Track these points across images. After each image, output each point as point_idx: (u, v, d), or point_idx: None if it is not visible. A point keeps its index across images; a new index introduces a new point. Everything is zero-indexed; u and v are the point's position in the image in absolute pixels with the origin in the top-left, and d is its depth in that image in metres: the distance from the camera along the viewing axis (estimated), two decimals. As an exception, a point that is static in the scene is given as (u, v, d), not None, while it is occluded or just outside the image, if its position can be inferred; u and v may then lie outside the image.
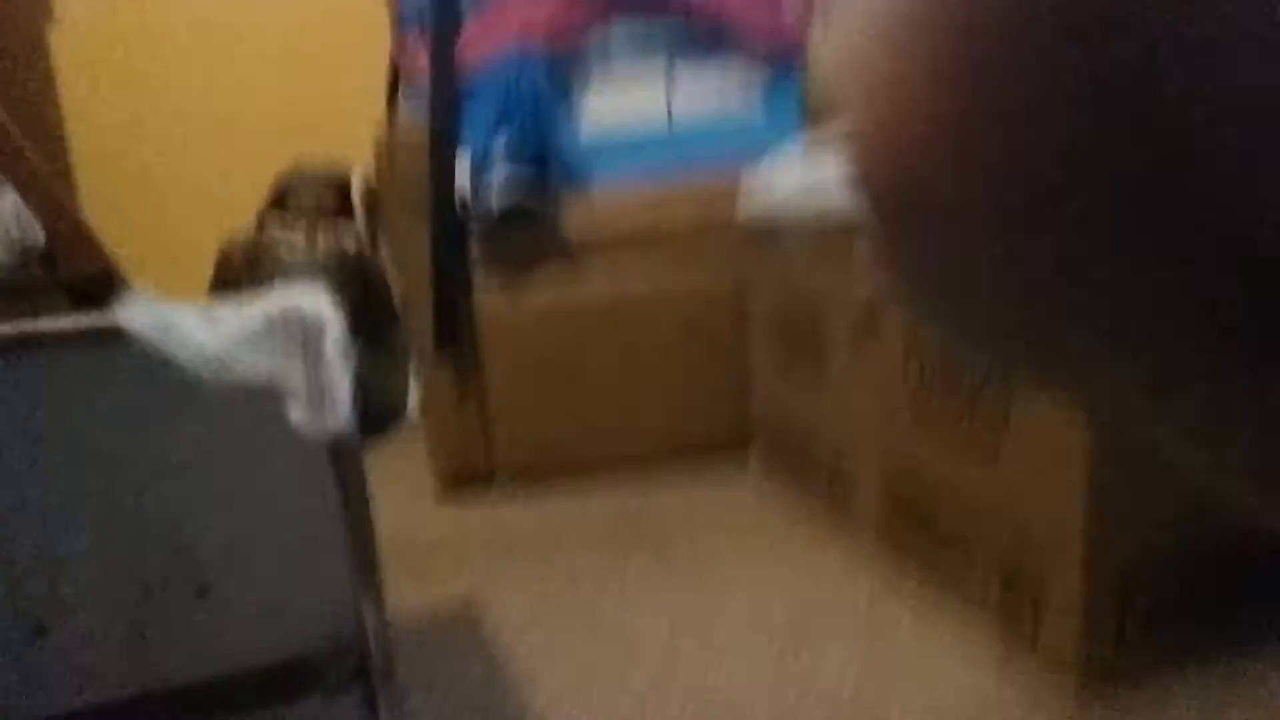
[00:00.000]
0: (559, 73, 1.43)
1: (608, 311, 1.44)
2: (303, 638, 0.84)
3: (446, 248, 1.37)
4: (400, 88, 1.63)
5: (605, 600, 1.02)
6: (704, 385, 1.48)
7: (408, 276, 1.48)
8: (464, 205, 1.35)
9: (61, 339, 0.47)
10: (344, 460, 0.49)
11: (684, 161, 1.48)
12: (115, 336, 0.44)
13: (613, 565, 1.12)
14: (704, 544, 1.15)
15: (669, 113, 1.50)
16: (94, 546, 0.80)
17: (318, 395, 0.46)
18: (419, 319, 1.45)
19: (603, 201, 1.45)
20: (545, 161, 1.43)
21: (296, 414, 0.46)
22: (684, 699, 0.81)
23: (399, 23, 1.59)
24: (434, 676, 0.88)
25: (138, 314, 0.44)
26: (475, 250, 1.40)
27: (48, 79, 2.15)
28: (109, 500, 0.80)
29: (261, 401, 0.84)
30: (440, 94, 1.36)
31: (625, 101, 1.49)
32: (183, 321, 0.44)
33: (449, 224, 1.35)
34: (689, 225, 1.44)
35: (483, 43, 1.40)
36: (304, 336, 0.46)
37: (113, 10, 2.26)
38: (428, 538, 1.28)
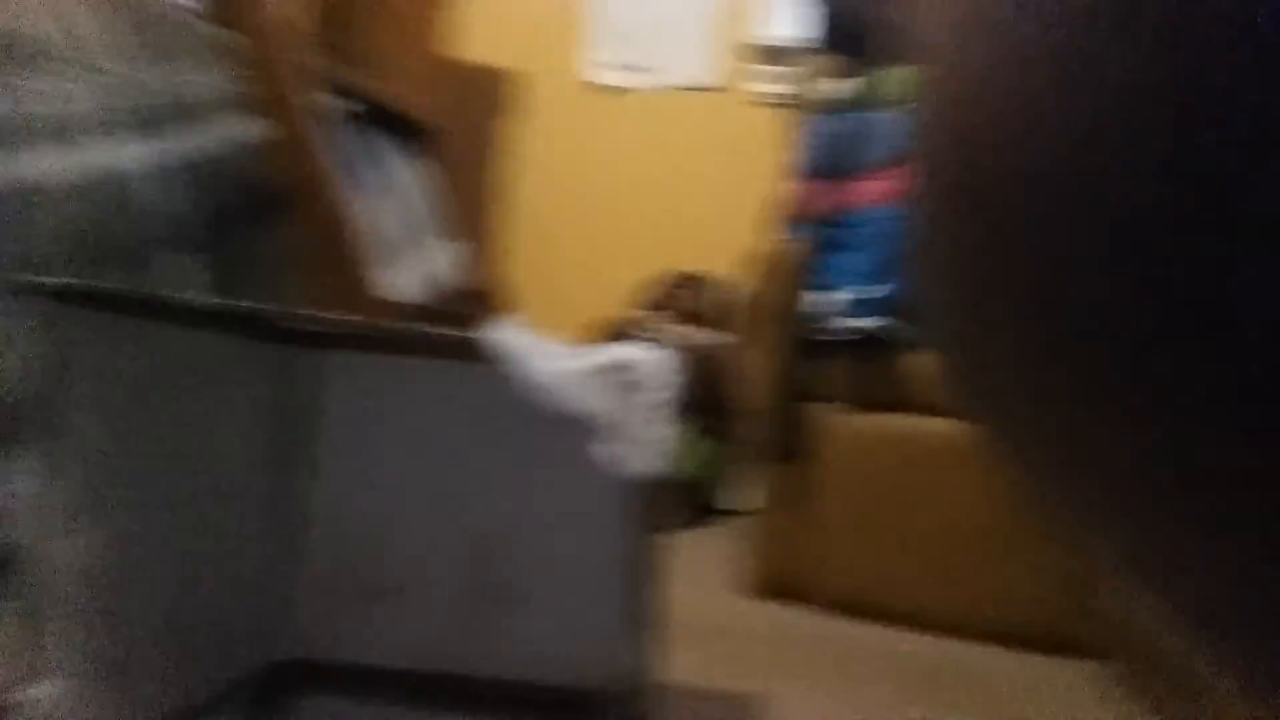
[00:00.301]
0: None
1: (959, 456, 1.38)
2: (585, 670, 0.91)
3: (795, 368, 1.44)
4: (784, 217, 1.75)
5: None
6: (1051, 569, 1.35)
7: (758, 386, 1.56)
8: (824, 328, 1.42)
9: (438, 345, 0.59)
10: (639, 504, 0.56)
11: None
12: (482, 352, 0.55)
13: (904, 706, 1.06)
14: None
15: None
16: (438, 534, 0.95)
17: (634, 438, 0.53)
18: (762, 428, 1.52)
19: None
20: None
21: (611, 450, 0.53)
22: None
23: (796, 164, 1.70)
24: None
25: (506, 334, 0.55)
26: (830, 370, 1.45)
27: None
28: (441, 498, 0.95)
29: (584, 438, 0.95)
30: (819, 226, 1.46)
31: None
32: (538, 349, 0.54)
33: (801, 344, 1.43)
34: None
35: (868, 194, 1.47)
36: (634, 384, 0.54)
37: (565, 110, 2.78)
38: (720, 626, 1.32)
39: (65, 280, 0.59)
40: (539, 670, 0.92)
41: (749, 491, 1.58)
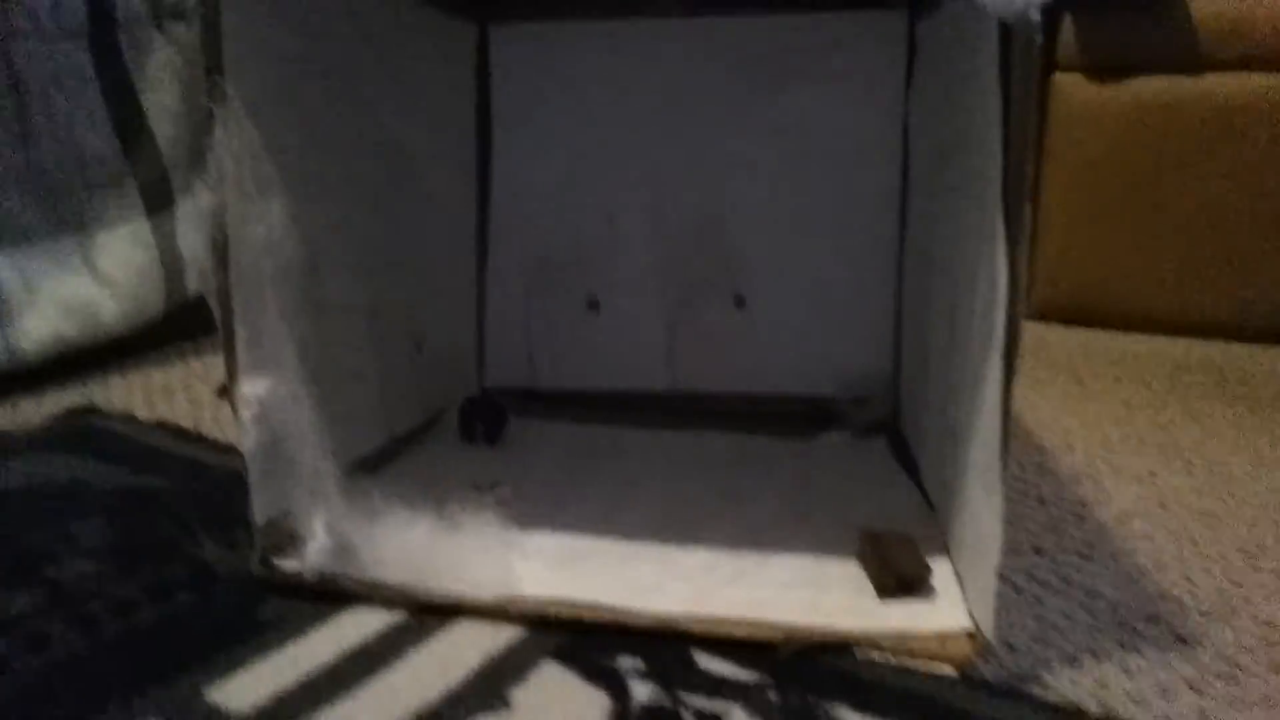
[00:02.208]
0: None
1: (1234, 123, 1.12)
2: (833, 374, 0.79)
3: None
4: None
5: (1174, 432, 0.83)
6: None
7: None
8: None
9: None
10: (1018, 51, 0.38)
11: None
12: None
13: (1180, 404, 0.91)
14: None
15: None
16: (649, 234, 0.81)
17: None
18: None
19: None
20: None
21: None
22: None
23: None
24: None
25: None
26: (1069, 33, 1.18)
27: None
28: (668, 189, 0.80)
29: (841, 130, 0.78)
30: None
31: None
32: None
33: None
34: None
35: None
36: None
37: None
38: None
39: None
40: (770, 381, 0.81)
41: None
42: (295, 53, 0.52)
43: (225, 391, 0.48)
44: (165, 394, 0.84)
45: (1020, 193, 0.40)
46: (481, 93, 0.80)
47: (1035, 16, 0.36)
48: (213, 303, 0.45)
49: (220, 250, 0.44)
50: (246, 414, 0.46)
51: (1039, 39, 0.37)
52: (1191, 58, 1.13)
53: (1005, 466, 0.41)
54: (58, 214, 0.86)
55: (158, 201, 0.92)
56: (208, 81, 0.44)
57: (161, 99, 0.92)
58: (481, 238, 0.82)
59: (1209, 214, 1.16)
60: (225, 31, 0.44)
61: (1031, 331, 1.25)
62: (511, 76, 0.79)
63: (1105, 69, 1.17)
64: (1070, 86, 1.19)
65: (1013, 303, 0.40)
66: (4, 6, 0.79)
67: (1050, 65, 1.20)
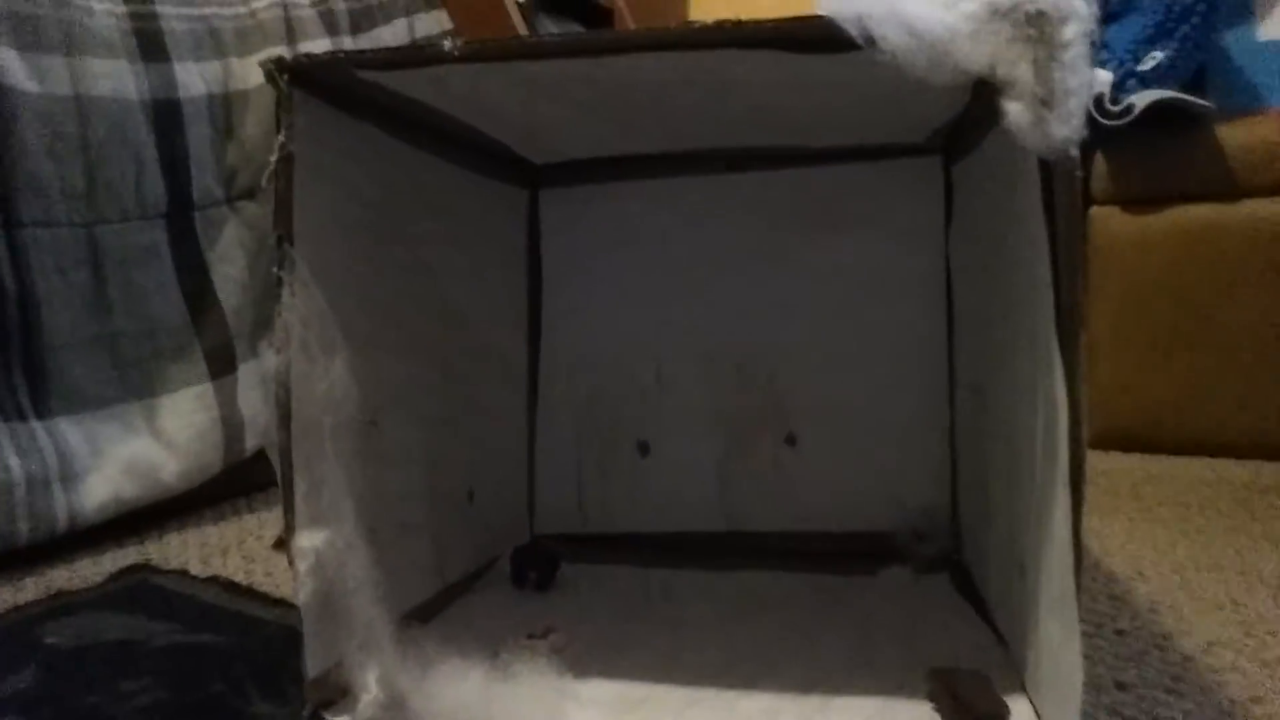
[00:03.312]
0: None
1: (1276, 245, 1.14)
2: (890, 509, 0.78)
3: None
4: None
5: (1252, 558, 0.79)
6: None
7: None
8: (1097, 113, 1.17)
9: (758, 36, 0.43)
10: (1061, 182, 0.39)
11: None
12: (828, 30, 0.40)
13: (1256, 527, 0.87)
14: None
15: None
16: (698, 378, 0.82)
17: (1046, 94, 0.37)
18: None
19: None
20: (1204, 82, 1.19)
21: (1016, 113, 0.37)
22: None
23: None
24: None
25: (847, 2, 0.39)
26: (1103, 168, 1.21)
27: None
28: (716, 335, 0.81)
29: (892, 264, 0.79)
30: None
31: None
32: (901, 2, 0.38)
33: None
34: None
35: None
36: (1040, 23, 0.37)
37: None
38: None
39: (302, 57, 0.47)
40: (826, 519, 0.79)
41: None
42: (360, 222, 0.56)
43: (281, 544, 0.49)
44: (220, 550, 0.85)
45: (1074, 322, 0.40)
46: (533, 246, 0.84)
47: (1074, 152, 0.37)
48: (273, 457, 0.46)
49: (284, 407, 0.46)
50: (302, 565, 0.46)
51: (1079, 173, 0.38)
52: (1227, 185, 1.15)
53: (1080, 600, 0.39)
54: (126, 380, 0.90)
55: (221, 367, 0.96)
56: (278, 250, 0.47)
57: (229, 271, 0.98)
58: (532, 387, 0.84)
59: (1259, 335, 1.14)
60: (296, 203, 0.47)
61: (1090, 459, 1.21)
62: (561, 232, 0.83)
63: (1140, 200, 1.20)
64: (1107, 219, 1.22)
65: (1075, 432, 0.40)
66: (91, 193, 0.86)
67: (1086, 200, 1.22)
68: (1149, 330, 1.20)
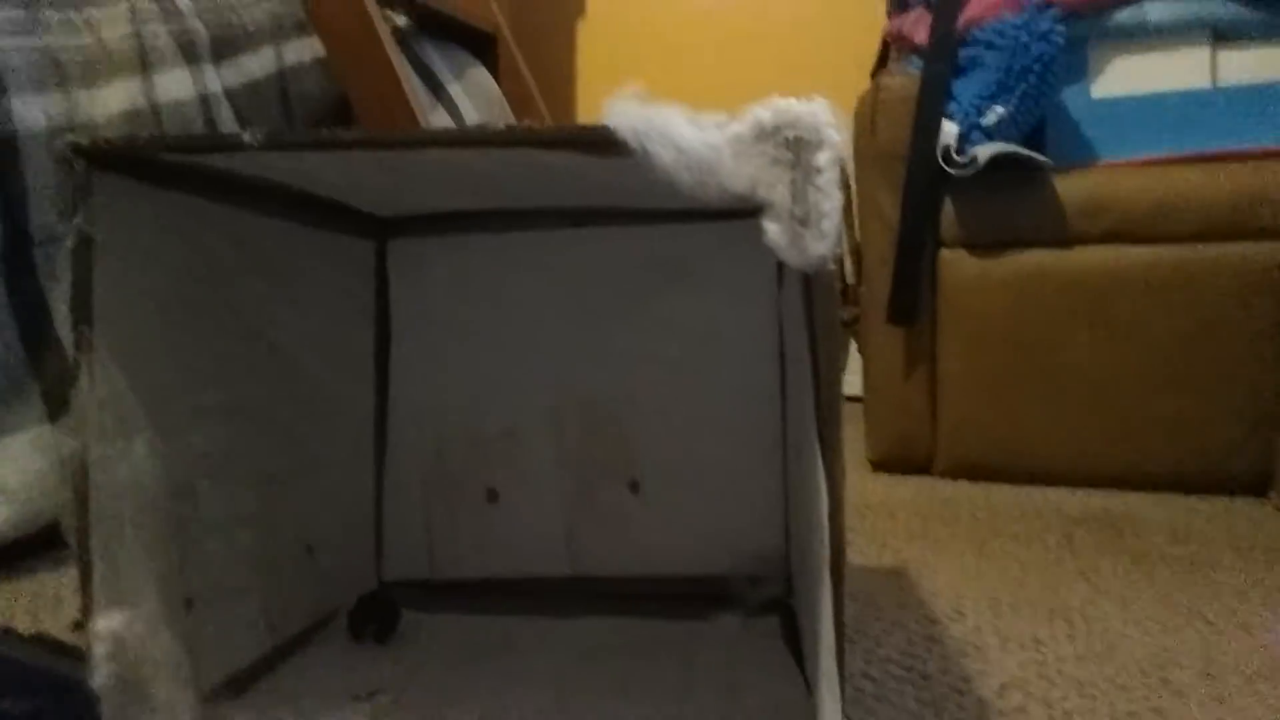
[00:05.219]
0: (1075, 33, 1.26)
1: (1103, 291, 1.22)
2: (727, 554, 0.81)
3: (919, 209, 1.27)
4: (890, 58, 1.57)
5: (1063, 592, 0.85)
6: (1218, 399, 1.20)
7: (870, 244, 1.41)
8: (944, 164, 1.24)
9: (565, 139, 0.46)
10: (819, 294, 0.42)
11: (1226, 135, 1.21)
12: (607, 139, 0.42)
13: (1072, 561, 0.94)
14: (1201, 557, 0.92)
15: (1213, 80, 1.24)
16: (546, 426, 0.84)
17: (802, 215, 0.40)
18: (875, 289, 1.37)
19: (1111, 171, 1.24)
20: (1043, 136, 1.27)
21: (775, 232, 0.40)
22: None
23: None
24: (862, 628, 0.79)
25: (626, 111, 0.42)
26: (951, 214, 1.28)
27: (571, 72, 2.47)
28: (563, 384, 0.83)
29: (724, 309, 0.82)
30: (934, 51, 1.27)
31: (1156, 65, 1.27)
32: (670, 121, 0.41)
33: (924, 183, 1.25)
34: (1225, 201, 1.18)
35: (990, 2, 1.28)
36: (797, 149, 0.40)
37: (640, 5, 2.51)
38: (853, 502, 1.20)
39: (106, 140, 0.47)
40: (669, 562, 0.82)
41: (869, 365, 1.43)
42: (176, 294, 0.55)
43: (80, 626, 0.48)
44: (54, 601, 0.83)
45: (833, 412, 0.43)
46: (381, 296, 0.84)
47: (832, 266, 0.41)
48: (70, 541, 0.46)
49: (81, 494, 0.46)
50: (100, 650, 0.46)
51: (837, 285, 0.41)
52: (1061, 233, 1.23)
53: (844, 678, 0.42)
54: (-42, 422, 0.86)
55: (60, 408, 0.93)
56: (75, 333, 0.46)
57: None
58: (380, 436, 0.84)
59: (1088, 374, 1.23)
60: (96, 284, 0.47)
61: (938, 489, 1.29)
62: (409, 283, 0.84)
63: (984, 245, 1.27)
64: (956, 261, 1.29)
65: (836, 519, 0.43)
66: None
67: (936, 243, 1.29)
68: (991, 367, 1.27)
